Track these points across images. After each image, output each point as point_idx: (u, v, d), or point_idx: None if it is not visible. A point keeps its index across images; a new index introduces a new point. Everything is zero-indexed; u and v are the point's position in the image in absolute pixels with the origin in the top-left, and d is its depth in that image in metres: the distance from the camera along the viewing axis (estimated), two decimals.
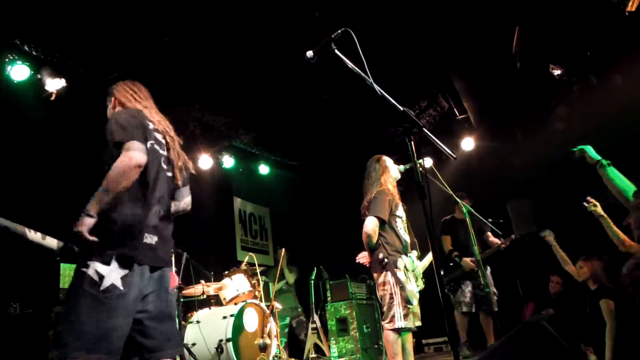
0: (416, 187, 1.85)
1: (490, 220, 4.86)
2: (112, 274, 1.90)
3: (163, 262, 2.15)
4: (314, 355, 6.03)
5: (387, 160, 3.81)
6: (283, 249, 6.41)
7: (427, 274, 3.72)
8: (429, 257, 3.81)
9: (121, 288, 1.91)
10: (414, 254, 3.68)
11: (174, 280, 2.31)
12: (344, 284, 6.13)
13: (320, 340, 6.07)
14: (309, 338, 6.08)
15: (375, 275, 3.56)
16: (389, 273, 3.43)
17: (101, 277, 1.89)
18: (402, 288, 3.36)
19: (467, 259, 5.36)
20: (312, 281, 6.44)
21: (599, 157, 3.19)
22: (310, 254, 7.83)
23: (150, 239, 2.07)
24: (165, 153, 2.29)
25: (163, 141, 2.30)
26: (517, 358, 1.95)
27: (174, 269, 3.95)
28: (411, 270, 3.53)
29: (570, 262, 4.50)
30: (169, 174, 2.28)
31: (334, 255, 7.81)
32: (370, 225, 3.47)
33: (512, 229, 7.09)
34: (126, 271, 1.94)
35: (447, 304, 5.22)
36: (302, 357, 5.93)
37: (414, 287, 3.48)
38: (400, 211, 3.67)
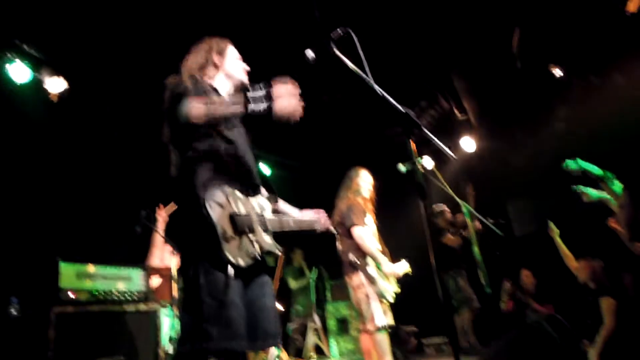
0: (416, 187, 1.85)
1: (490, 220, 4.86)
2: None
3: None
4: (314, 356, 6.02)
5: (363, 175, 3.98)
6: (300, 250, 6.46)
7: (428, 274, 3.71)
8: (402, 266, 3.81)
9: None
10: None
11: None
12: (344, 284, 6.10)
13: (320, 340, 6.06)
14: (309, 338, 6.07)
15: (347, 279, 3.63)
16: (360, 273, 3.54)
17: None
18: (373, 281, 3.48)
19: None
20: (313, 281, 6.42)
21: (601, 171, 3.12)
22: (310, 254, 7.81)
23: None
24: None
25: None
26: (516, 358, 1.95)
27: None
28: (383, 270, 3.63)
29: (573, 259, 4.51)
30: None
31: (334, 255, 7.78)
32: (361, 234, 3.64)
33: (513, 229, 7.11)
34: None
35: (447, 303, 5.21)
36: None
37: (387, 285, 3.57)
38: (369, 220, 3.81)
